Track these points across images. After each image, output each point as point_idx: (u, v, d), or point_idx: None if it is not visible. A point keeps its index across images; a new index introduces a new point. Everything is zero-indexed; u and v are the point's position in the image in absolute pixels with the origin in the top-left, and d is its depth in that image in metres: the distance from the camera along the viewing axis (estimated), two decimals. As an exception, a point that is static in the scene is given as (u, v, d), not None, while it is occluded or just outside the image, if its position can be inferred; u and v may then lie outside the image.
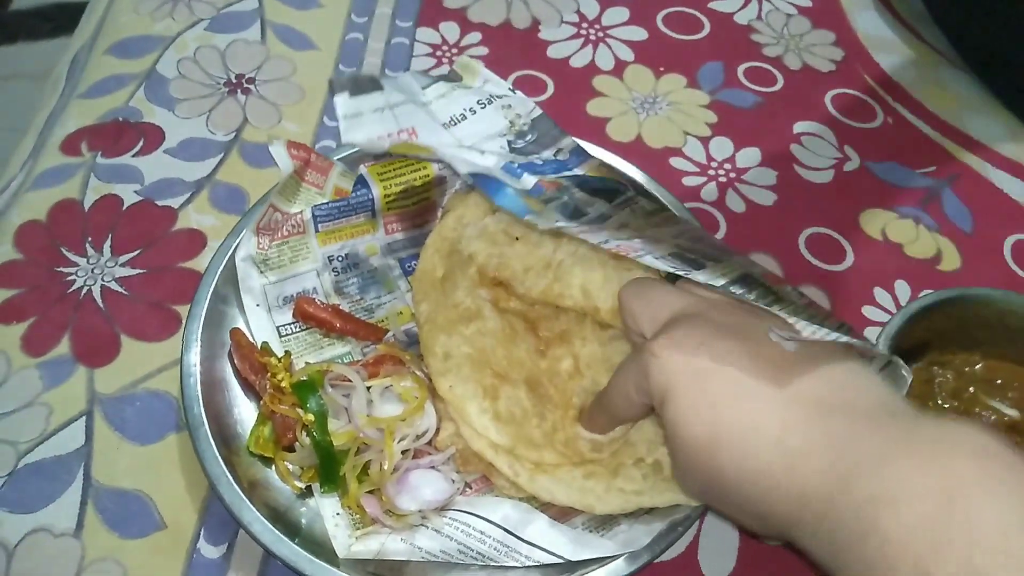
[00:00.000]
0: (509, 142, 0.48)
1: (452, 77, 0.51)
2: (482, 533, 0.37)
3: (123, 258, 0.49)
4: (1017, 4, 0.61)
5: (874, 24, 0.69)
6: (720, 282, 0.34)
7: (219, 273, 0.44)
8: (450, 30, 0.64)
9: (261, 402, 0.41)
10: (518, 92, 0.51)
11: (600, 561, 0.36)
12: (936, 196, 0.57)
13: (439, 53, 0.62)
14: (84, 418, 0.43)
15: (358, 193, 0.46)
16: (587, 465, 0.38)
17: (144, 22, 0.61)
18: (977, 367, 0.44)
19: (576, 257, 0.42)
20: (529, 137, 0.49)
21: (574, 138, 0.49)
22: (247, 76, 0.59)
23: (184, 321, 0.43)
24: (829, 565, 0.28)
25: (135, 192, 0.52)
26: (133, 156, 0.54)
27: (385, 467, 0.38)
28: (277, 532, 0.36)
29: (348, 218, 0.47)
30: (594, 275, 0.41)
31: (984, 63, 0.66)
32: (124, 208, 0.51)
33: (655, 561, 0.37)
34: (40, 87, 0.63)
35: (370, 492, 0.38)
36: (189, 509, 0.41)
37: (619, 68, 0.63)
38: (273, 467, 0.40)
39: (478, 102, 0.50)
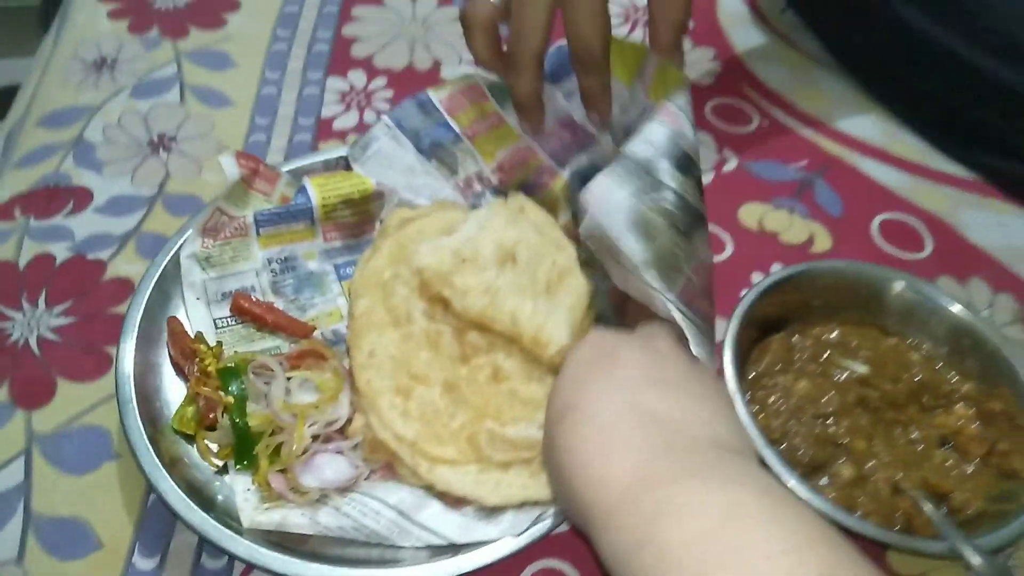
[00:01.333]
0: None
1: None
2: (377, 513, 0.41)
3: (57, 309, 0.53)
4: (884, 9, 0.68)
5: (750, 38, 0.75)
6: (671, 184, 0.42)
7: (161, 268, 0.49)
8: (358, 77, 0.69)
9: (188, 384, 0.45)
10: None
11: (482, 544, 0.40)
12: (809, 187, 0.63)
13: (348, 99, 0.67)
14: (23, 456, 0.46)
15: (298, 201, 0.51)
16: (482, 462, 0.42)
17: (71, 94, 0.66)
18: (834, 334, 0.49)
19: (513, 287, 0.45)
20: None
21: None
22: (168, 135, 0.63)
23: (126, 310, 0.47)
24: (611, 567, 0.29)
25: (67, 249, 0.56)
26: (64, 217, 0.58)
27: (294, 448, 0.42)
28: (189, 502, 0.40)
29: (288, 224, 0.52)
30: (525, 305, 0.45)
31: (856, 62, 0.72)
32: (57, 265, 0.55)
33: (552, 533, 0.41)
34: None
35: (280, 471, 0.42)
36: (125, 527, 0.44)
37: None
38: (195, 445, 0.44)
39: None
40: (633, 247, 0.41)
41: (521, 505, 0.41)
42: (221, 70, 0.69)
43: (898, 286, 0.47)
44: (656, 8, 0.46)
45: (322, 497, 0.42)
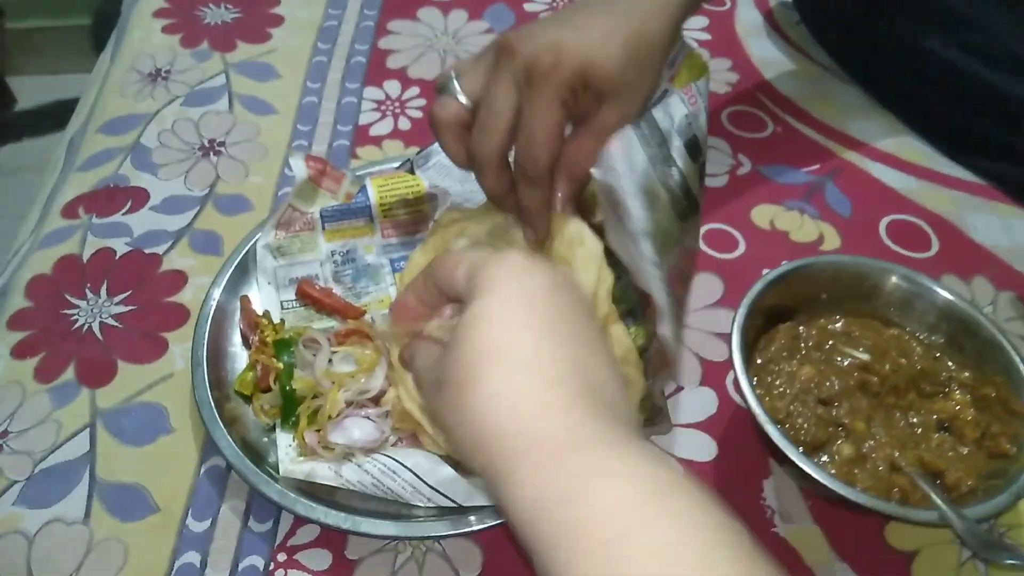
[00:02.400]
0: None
1: None
2: (395, 473, 0.45)
3: (117, 298, 0.58)
4: (884, 19, 0.71)
5: (766, 48, 0.79)
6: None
7: (239, 258, 0.56)
8: (392, 87, 0.74)
9: (250, 353, 0.51)
10: None
11: (485, 509, 0.44)
12: (819, 189, 0.66)
13: (383, 107, 0.72)
14: (88, 429, 0.51)
15: (358, 200, 0.57)
16: None
17: (128, 103, 0.71)
18: (838, 324, 0.52)
19: None
20: None
21: None
22: (218, 140, 0.68)
23: (207, 291, 0.54)
24: (519, 518, 0.29)
25: (126, 244, 0.61)
26: (123, 215, 0.63)
27: (328, 409, 0.47)
28: (236, 448, 0.46)
29: (350, 220, 0.58)
30: None
31: (864, 75, 0.75)
32: (117, 258, 0.60)
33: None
34: (42, 176, 0.73)
35: (315, 430, 0.47)
36: (179, 493, 0.48)
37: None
38: (251, 406, 0.50)
39: None
40: (639, 212, 0.41)
41: None
42: (266, 80, 0.74)
43: (895, 279, 0.50)
44: (563, 158, 0.43)
45: (347, 455, 0.47)
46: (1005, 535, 0.47)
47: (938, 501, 0.41)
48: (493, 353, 0.31)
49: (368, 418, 0.48)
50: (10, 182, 1.61)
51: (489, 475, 0.30)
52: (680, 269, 0.45)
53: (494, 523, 0.44)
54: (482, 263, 0.34)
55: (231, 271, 0.56)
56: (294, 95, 0.73)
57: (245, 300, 0.55)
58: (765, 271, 0.59)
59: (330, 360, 0.50)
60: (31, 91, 1.82)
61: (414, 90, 0.73)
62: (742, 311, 0.48)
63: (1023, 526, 0.47)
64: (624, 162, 0.42)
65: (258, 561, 0.46)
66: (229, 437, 0.47)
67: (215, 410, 0.48)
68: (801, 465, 0.43)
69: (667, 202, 0.44)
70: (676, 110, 0.45)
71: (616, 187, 0.42)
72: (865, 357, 0.49)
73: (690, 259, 0.46)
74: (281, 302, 0.56)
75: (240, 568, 0.46)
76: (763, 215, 0.64)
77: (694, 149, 0.46)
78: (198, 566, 0.46)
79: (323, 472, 0.46)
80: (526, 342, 0.32)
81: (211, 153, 0.67)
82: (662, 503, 0.27)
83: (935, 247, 0.62)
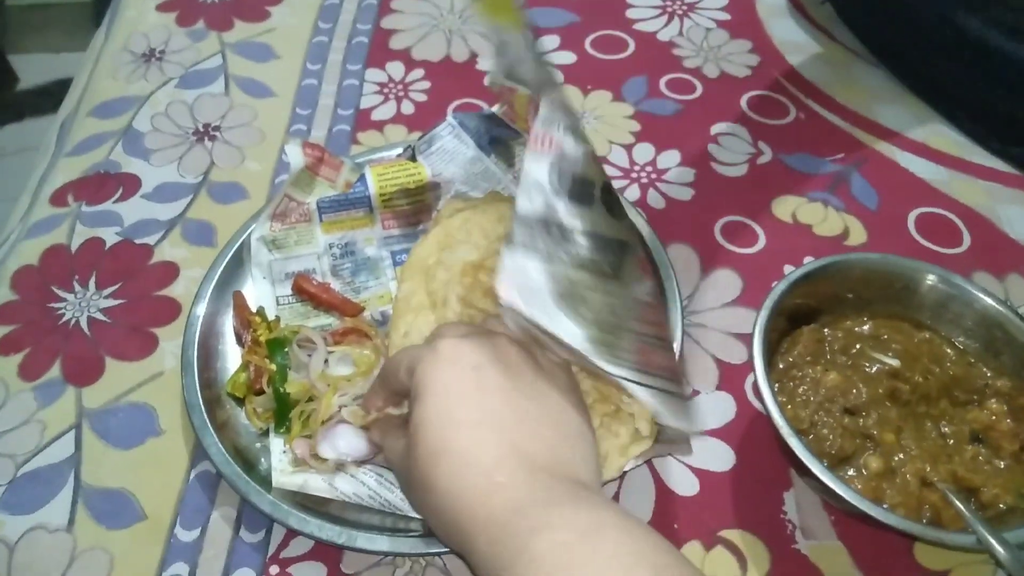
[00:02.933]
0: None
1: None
2: (392, 484, 0.42)
3: (106, 291, 0.55)
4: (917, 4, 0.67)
5: (788, 30, 0.75)
6: (576, 223, 0.38)
7: (232, 251, 0.53)
8: (396, 69, 0.70)
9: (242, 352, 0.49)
10: None
11: None
12: (844, 180, 0.62)
13: (386, 90, 0.69)
14: (74, 431, 0.49)
15: (357, 189, 0.54)
16: None
17: (121, 85, 0.68)
18: (865, 327, 0.49)
19: None
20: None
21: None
22: (213, 125, 0.65)
23: (199, 285, 0.52)
24: None
25: (116, 233, 0.58)
26: (114, 203, 0.60)
27: (320, 415, 0.44)
28: (227, 456, 0.44)
29: (348, 211, 0.55)
30: None
31: (893, 56, 0.71)
32: (106, 248, 0.57)
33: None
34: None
35: (307, 436, 0.45)
36: (167, 500, 0.46)
37: (550, 90, 0.69)
38: (244, 409, 0.48)
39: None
40: (569, 328, 0.37)
41: None
42: (264, 62, 0.71)
43: (930, 279, 0.47)
44: None
45: (341, 466, 0.44)
46: (1042, 554, 0.44)
47: (976, 524, 0.38)
48: (439, 454, 0.35)
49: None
50: (12, 163, 1.59)
51: (462, 554, 0.35)
52: (650, 332, 0.40)
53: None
54: (416, 360, 0.38)
55: (224, 265, 0.53)
56: (293, 77, 0.69)
57: (238, 296, 0.52)
58: (787, 268, 0.56)
59: (326, 361, 0.47)
60: (33, 69, 1.79)
61: (418, 72, 0.70)
62: (764, 312, 0.45)
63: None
64: (525, 297, 0.36)
65: (249, 574, 0.43)
66: (220, 444, 0.45)
67: (205, 415, 0.46)
68: (825, 480, 0.40)
69: (590, 280, 0.38)
70: (537, 175, 0.38)
71: (535, 325, 0.37)
72: (895, 363, 0.46)
73: (652, 310, 0.41)
74: (277, 297, 0.53)
75: (230, 580, 0.43)
76: (785, 207, 0.60)
77: (581, 191, 0.39)
78: (186, 578, 0.43)
79: (316, 484, 0.44)
80: (464, 438, 0.35)
81: (206, 138, 0.64)
82: (598, 542, 0.31)
83: (967, 242, 0.59)
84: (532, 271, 0.37)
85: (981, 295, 0.46)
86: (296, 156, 0.53)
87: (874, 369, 0.46)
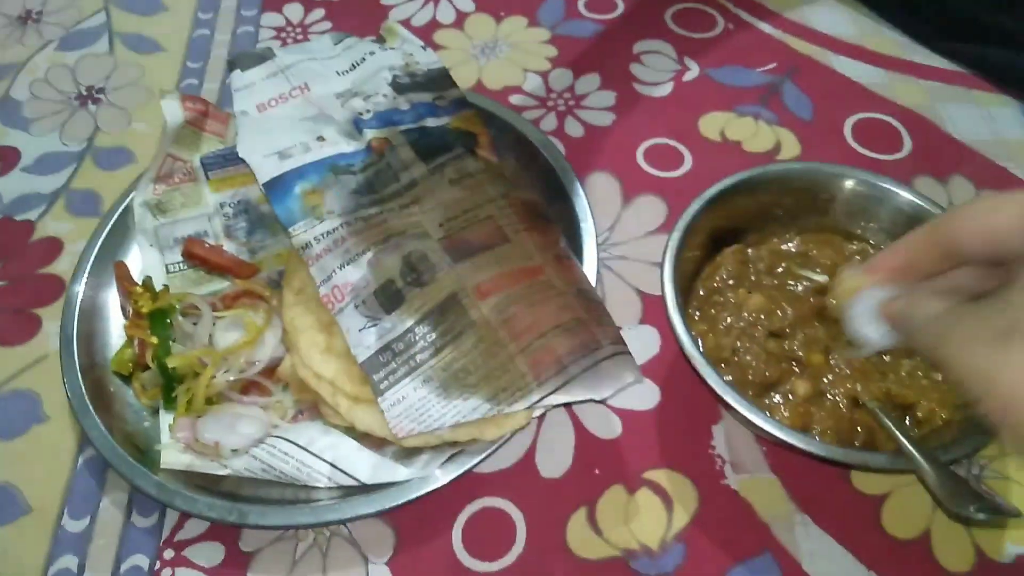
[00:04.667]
0: (395, 76, 0.49)
1: (377, 42, 0.53)
2: (285, 454, 0.39)
3: (-15, 274, 0.51)
4: None
5: (716, -63, 0.70)
6: (407, 323, 0.38)
7: (116, 216, 0.49)
8: (294, 11, 0.65)
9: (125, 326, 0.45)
10: (428, 49, 0.52)
11: (391, 485, 0.38)
12: (776, 91, 0.58)
13: (284, 35, 0.64)
14: (-49, 424, 0.45)
15: None
16: None
17: (-4, 52, 0.63)
18: (792, 243, 0.45)
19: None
20: (419, 79, 0.50)
21: (465, 92, 0.49)
22: (97, 87, 0.61)
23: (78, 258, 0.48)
24: None
25: (-6, 212, 0.54)
26: (-8, 179, 0.56)
27: (198, 396, 0.41)
28: (109, 437, 0.40)
29: (236, 166, 0.50)
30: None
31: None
32: (-15, 228, 0.53)
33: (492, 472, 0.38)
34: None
35: (198, 416, 0.41)
36: (54, 490, 0.43)
37: (460, 20, 0.64)
38: (132, 387, 0.45)
39: (380, 47, 0.51)
40: (470, 405, 0.37)
41: (439, 446, 0.39)
42: (151, 14, 0.66)
43: (850, 183, 0.43)
44: None
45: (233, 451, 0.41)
46: (986, 468, 0.41)
47: (903, 443, 0.35)
48: None
49: (255, 403, 0.42)
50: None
51: None
52: (539, 333, 0.39)
53: (405, 501, 0.38)
54: None
55: (105, 236, 0.49)
56: (183, 29, 0.64)
57: (120, 267, 0.48)
58: (711, 188, 0.52)
59: (212, 330, 0.44)
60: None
61: (318, 12, 0.65)
62: (676, 235, 0.42)
63: (1008, 456, 0.42)
64: (413, 418, 0.37)
65: (143, 560, 0.40)
66: (102, 426, 0.41)
67: (87, 397, 0.42)
68: (744, 412, 0.37)
69: (455, 352, 0.38)
70: (348, 320, 0.39)
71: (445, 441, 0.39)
72: (822, 279, 0.43)
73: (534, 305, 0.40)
74: (167, 265, 0.49)
75: (122, 570, 0.40)
76: (712, 125, 0.56)
77: (387, 295, 0.39)
78: (75, 570, 0.40)
79: (205, 461, 0.40)
80: None
81: (89, 101, 0.60)
82: None
83: (907, 146, 0.55)
84: (409, 393, 0.37)
85: (910, 196, 0.43)
86: (174, 111, 0.49)
87: (800, 287, 0.43)
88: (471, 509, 0.41)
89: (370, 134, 0.46)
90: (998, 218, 0.28)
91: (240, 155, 0.44)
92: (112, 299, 0.48)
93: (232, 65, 0.50)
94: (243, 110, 0.47)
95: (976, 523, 0.39)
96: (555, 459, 0.42)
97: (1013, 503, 0.40)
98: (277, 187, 0.43)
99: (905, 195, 0.43)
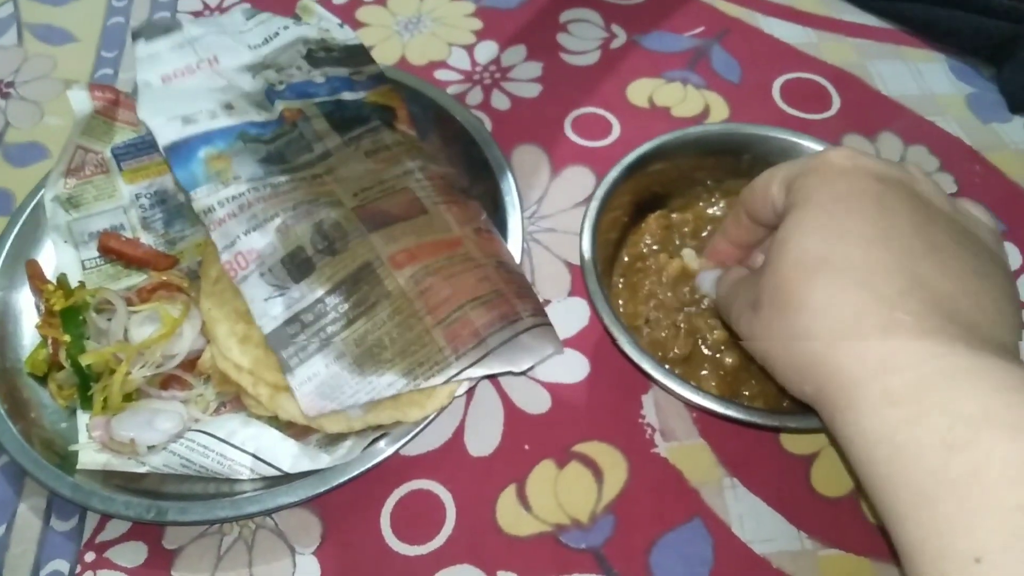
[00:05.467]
0: (310, 50, 0.48)
1: (291, 19, 0.51)
2: (205, 448, 0.38)
3: None
4: None
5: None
6: (317, 292, 0.37)
7: (26, 213, 0.47)
8: (213, -7, 0.63)
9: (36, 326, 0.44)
10: (346, 26, 0.51)
11: (314, 473, 0.37)
12: (704, 55, 0.58)
13: (205, 16, 0.62)
14: None
15: None
16: None
17: None
18: (718, 208, 0.45)
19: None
20: (335, 54, 0.49)
21: (387, 69, 0.48)
22: (6, 81, 0.58)
23: None
24: (861, 456, 0.26)
25: (-101, 217, 0.52)
26: (-103, 182, 0.53)
27: (113, 394, 0.40)
28: (20, 439, 0.39)
29: (150, 155, 0.48)
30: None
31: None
32: None
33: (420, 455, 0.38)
34: None
35: (111, 415, 0.40)
36: (-33, 500, 0.41)
37: (383, -4, 0.63)
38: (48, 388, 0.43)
39: (295, 22, 0.50)
40: (386, 381, 0.36)
41: (363, 431, 0.38)
42: (62, 4, 0.63)
43: (769, 143, 0.43)
44: None
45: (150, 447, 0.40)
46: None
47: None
48: (817, 266, 0.27)
49: (175, 398, 0.41)
50: None
51: (821, 405, 0.27)
52: (458, 306, 0.38)
53: (328, 488, 0.38)
54: (797, 173, 0.31)
55: (15, 234, 0.47)
56: (96, 17, 0.62)
57: (31, 265, 0.46)
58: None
59: (128, 325, 0.42)
60: None
61: (238, -6, 0.63)
62: (594, 204, 0.41)
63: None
64: (325, 394, 0.37)
65: (62, 565, 0.39)
66: (15, 430, 0.40)
67: None
68: (666, 383, 0.36)
69: (369, 325, 0.37)
70: (252, 289, 0.38)
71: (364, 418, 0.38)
72: (746, 241, 0.42)
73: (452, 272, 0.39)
74: (83, 261, 0.48)
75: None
76: (640, 91, 0.55)
77: (296, 263, 0.38)
78: (-8, 581, 0.39)
79: (122, 460, 0.39)
80: (855, 251, 0.27)
81: (-2, 96, 0.57)
82: None
83: (836, 105, 0.55)
84: (320, 369, 0.36)
85: (814, 145, 0.43)
86: (82, 101, 0.47)
87: (724, 250, 0.42)
88: (399, 493, 0.40)
89: (282, 105, 0.44)
90: (771, 187, 0.32)
91: (140, 118, 0.43)
92: (25, 300, 0.46)
93: (136, 35, 0.48)
94: (146, 80, 0.45)
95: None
96: (484, 437, 0.41)
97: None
98: (180, 150, 0.41)
99: (810, 146, 0.43)
